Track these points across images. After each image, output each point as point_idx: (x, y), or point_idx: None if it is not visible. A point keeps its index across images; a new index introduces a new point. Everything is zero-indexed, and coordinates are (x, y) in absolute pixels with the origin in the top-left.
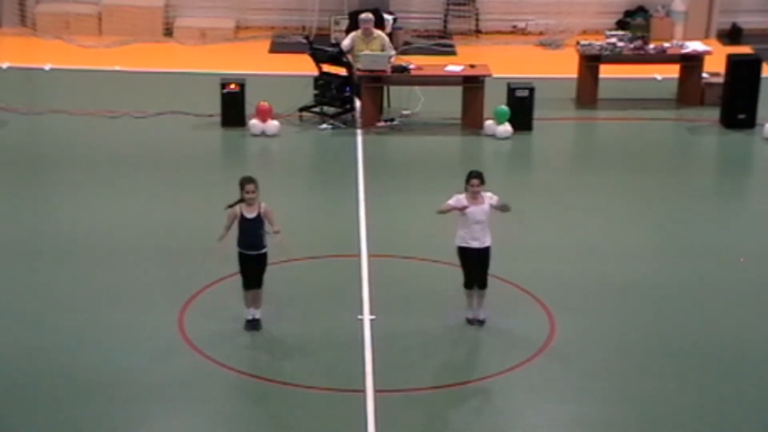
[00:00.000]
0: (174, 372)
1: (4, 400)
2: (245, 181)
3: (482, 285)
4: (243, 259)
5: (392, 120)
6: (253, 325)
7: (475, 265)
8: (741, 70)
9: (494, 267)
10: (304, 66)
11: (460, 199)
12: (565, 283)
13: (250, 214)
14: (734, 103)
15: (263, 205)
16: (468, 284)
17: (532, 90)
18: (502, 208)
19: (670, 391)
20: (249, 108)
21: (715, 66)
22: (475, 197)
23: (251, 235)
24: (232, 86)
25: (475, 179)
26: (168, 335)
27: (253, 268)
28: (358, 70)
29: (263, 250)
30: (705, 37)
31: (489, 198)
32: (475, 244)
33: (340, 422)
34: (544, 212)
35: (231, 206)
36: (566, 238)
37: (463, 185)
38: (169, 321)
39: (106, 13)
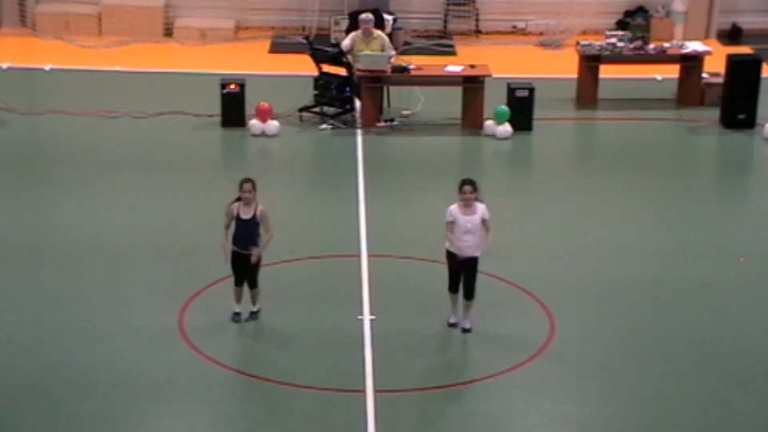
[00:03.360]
0: (174, 372)
1: (4, 400)
2: (243, 181)
3: (468, 296)
4: (235, 258)
5: (392, 120)
6: (252, 316)
7: (462, 274)
8: (741, 70)
9: (494, 267)
10: (304, 66)
11: (451, 211)
12: (565, 283)
13: (246, 215)
14: (734, 103)
15: (260, 207)
16: (452, 288)
17: (532, 90)
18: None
19: (670, 391)
20: (249, 108)
21: (715, 66)
22: (467, 205)
23: (245, 236)
24: (232, 86)
25: (467, 186)
26: (168, 335)
27: (245, 268)
28: (358, 70)
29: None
30: (705, 37)
31: (482, 210)
32: (462, 253)
33: (340, 422)
34: (544, 212)
35: (230, 204)
36: (566, 238)
37: (457, 188)
38: (169, 321)
39: (106, 13)
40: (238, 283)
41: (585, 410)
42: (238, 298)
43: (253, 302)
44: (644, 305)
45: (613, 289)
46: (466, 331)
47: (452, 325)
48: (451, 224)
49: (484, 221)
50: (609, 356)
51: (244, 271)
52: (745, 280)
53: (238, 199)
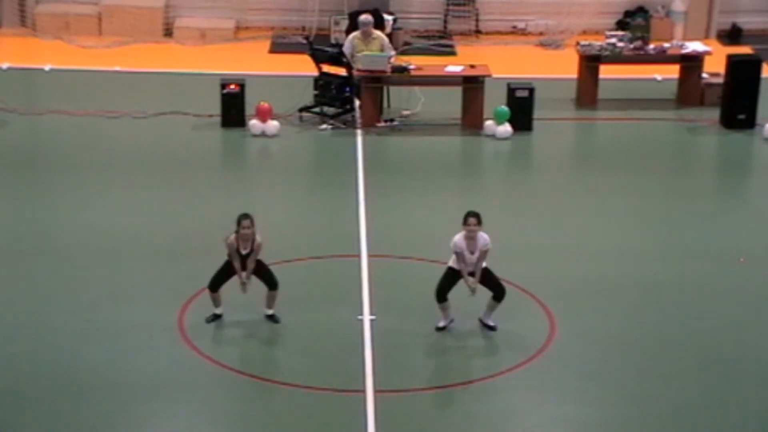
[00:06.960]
0: (174, 372)
1: (4, 400)
2: (242, 218)
3: (497, 298)
4: (227, 266)
5: (392, 120)
6: (269, 320)
7: (485, 285)
8: (741, 70)
9: (495, 267)
10: (304, 66)
11: (456, 243)
12: (565, 283)
13: (245, 250)
14: (734, 103)
15: (258, 240)
16: (440, 297)
17: (532, 90)
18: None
19: (670, 391)
20: (249, 108)
21: (715, 66)
22: (470, 237)
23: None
24: (232, 86)
25: (472, 218)
26: (168, 335)
27: (261, 277)
28: (358, 70)
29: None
30: (705, 37)
31: (484, 242)
32: (469, 269)
33: (340, 422)
34: (544, 212)
35: (228, 238)
36: (566, 238)
37: (462, 219)
38: (169, 321)
39: (106, 13)
40: (215, 288)
41: (585, 410)
42: (217, 304)
43: (270, 305)
44: (644, 305)
45: (613, 289)
46: (491, 328)
47: (439, 329)
48: (458, 255)
49: (483, 252)
50: (609, 356)
51: (262, 278)
52: (745, 280)
53: (236, 231)
